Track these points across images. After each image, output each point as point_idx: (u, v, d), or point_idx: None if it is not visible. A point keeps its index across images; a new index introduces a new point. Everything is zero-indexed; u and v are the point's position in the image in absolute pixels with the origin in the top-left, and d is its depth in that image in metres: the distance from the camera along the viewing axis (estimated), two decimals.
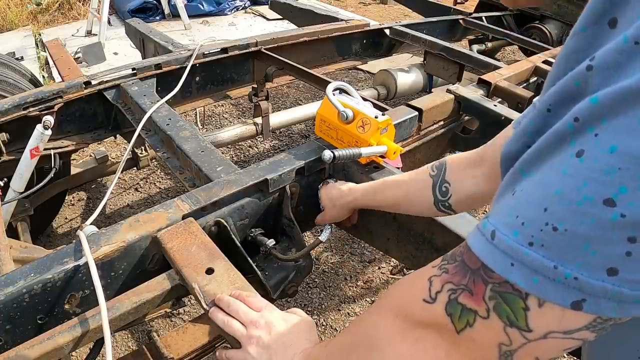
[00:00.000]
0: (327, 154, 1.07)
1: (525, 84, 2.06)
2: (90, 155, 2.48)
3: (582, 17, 0.38)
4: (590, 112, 0.34)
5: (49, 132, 1.61)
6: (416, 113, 1.54)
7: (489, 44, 3.48)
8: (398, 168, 1.23)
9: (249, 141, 3.10)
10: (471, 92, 1.74)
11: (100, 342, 0.92)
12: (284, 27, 4.71)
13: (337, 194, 1.13)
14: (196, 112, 2.98)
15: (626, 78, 0.32)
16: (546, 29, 3.39)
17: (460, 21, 3.27)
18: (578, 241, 0.34)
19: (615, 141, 0.32)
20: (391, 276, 2.22)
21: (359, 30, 2.67)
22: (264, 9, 5.55)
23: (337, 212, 1.14)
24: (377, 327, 0.54)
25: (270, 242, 1.10)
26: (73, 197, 2.61)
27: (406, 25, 2.75)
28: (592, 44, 0.37)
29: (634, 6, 0.34)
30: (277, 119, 2.30)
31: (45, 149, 1.66)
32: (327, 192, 1.17)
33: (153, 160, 2.12)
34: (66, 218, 2.48)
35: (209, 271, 0.88)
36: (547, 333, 0.38)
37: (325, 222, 1.18)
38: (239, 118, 3.43)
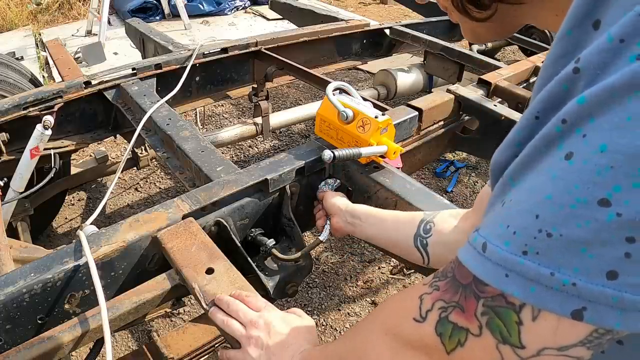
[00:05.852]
0: (327, 154, 1.07)
1: (525, 84, 2.06)
2: (90, 155, 2.48)
3: (566, 21, 0.37)
4: (578, 112, 0.33)
5: (49, 132, 1.62)
6: (416, 113, 1.54)
7: (489, 44, 3.47)
8: (398, 168, 1.23)
9: (249, 141, 3.11)
10: (471, 92, 1.74)
11: (100, 342, 0.92)
12: (284, 27, 4.71)
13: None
14: (196, 112, 2.98)
15: (612, 75, 0.31)
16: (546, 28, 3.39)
17: None
18: (574, 245, 0.32)
19: (604, 140, 0.31)
20: (391, 276, 2.22)
21: (359, 30, 2.67)
22: (264, 9, 5.55)
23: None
24: (367, 343, 0.54)
25: (270, 242, 1.10)
26: (73, 197, 2.61)
27: (406, 25, 2.75)
28: (578, 46, 0.36)
29: (616, 6, 0.33)
30: (277, 119, 2.30)
31: (45, 149, 1.66)
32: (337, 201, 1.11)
33: (153, 160, 2.12)
34: (66, 218, 2.48)
35: (209, 271, 0.88)
36: (540, 350, 0.36)
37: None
38: (239, 118, 3.43)
